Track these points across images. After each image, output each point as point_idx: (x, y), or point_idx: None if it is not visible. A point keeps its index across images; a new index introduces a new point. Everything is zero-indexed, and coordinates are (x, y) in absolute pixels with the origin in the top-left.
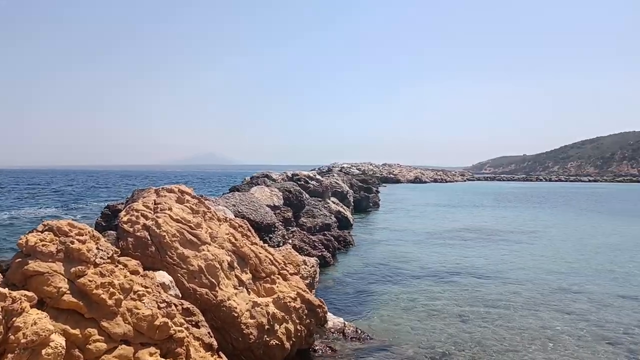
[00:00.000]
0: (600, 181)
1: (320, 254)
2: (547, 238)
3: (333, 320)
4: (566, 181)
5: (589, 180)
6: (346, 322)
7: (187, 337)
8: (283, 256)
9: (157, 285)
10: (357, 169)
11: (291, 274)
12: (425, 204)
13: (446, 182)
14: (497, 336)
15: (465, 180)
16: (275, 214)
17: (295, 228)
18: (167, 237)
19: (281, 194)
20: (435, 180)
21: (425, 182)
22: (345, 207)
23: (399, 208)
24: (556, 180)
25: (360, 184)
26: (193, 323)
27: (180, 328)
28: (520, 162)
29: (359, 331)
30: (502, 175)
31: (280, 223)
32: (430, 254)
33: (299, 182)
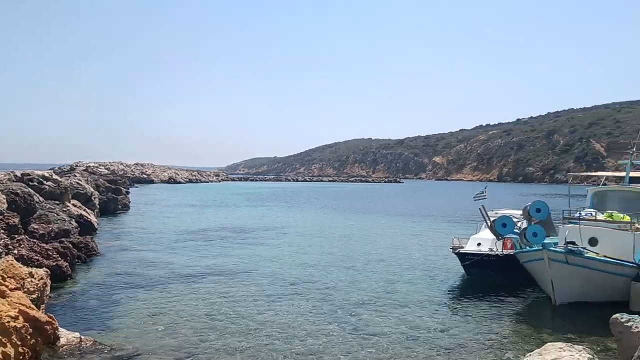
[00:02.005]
0: (338, 181)
1: (55, 264)
2: (293, 233)
3: (67, 336)
4: (310, 181)
5: (329, 180)
6: (83, 337)
7: None
8: (1, 269)
9: None
10: (105, 169)
11: (12, 290)
12: (179, 204)
13: (201, 182)
14: (242, 331)
15: (220, 181)
16: None
17: (23, 236)
18: None
19: (4, 197)
20: (190, 181)
21: (180, 182)
22: (89, 211)
23: (152, 210)
24: (302, 180)
25: (108, 184)
26: None
27: None
28: (272, 163)
29: (98, 344)
30: (255, 176)
31: (3, 231)
32: (183, 256)
33: (30, 183)
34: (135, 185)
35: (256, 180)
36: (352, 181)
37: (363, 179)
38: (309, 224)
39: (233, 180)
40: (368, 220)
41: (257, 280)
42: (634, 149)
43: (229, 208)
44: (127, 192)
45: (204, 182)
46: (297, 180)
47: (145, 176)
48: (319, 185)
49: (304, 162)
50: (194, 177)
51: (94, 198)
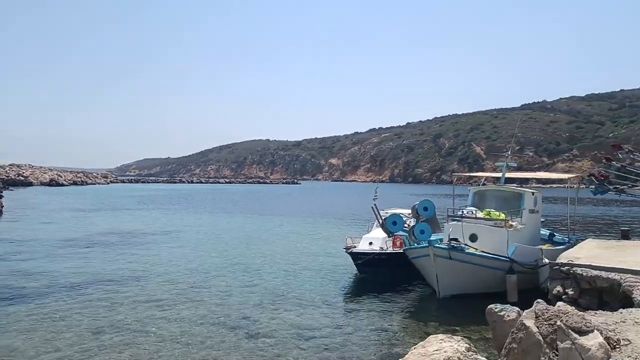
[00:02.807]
0: (236, 182)
1: None
2: (188, 237)
3: None
4: (207, 183)
5: (227, 182)
6: None
7: None
8: None
9: None
10: None
11: None
12: (62, 208)
13: (88, 184)
14: (130, 342)
15: (109, 183)
16: None
17: None
18: None
19: None
20: (75, 183)
21: (64, 184)
22: None
23: (29, 215)
24: (198, 182)
25: None
26: None
27: None
28: (165, 164)
29: None
30: (147, 177)
31: None
32: (65, 265)
33: None
34: (10, 188)
35: (148, 182)
36: (250, 182)
37: (261, 180)
38: (204, 227)
39: (123, 182)
40: (265, 222)
41: (148, 287)
42: (509, 152)
43: (118, 212)
44: (1, 196)
45: (91, 184)
46: (192, 182)
47: (22, 178)
48: (215, 187)
49: (199, 163)
50: (79, 179)
51: None
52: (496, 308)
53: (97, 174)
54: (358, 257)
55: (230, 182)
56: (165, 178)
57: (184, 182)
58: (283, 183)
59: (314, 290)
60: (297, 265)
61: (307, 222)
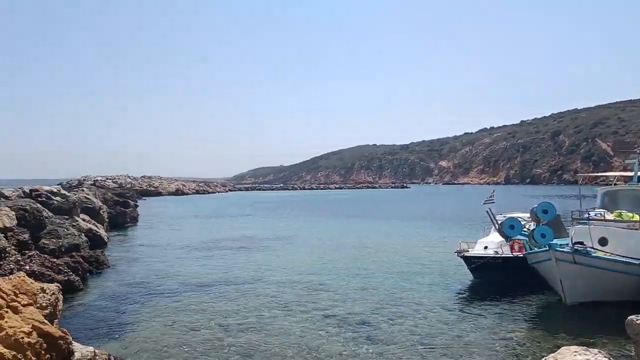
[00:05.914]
0: (345, 188)
1: (66, 278)
2: (302, 242)
3: (81, 351)
4: (317, 189)
5: (336, 188)
6: (97, 350)
7: None
8: (14, 286)
9: None
10: (113, 182)
11: (24, 305)
12: (187, 215)
13: (208, 193)
14: (257, 341)
15: (227, 191)
16: (6, 237)
17: (34, 252)
18: None
19: (14, 213)
20: (197, 192)
21: (188, 193)
22: (98, 224)
23: (160, 222)
24: (309, 189)
25: (116, 198)
26: None
27: None
28: (278, 172)
29: (113, 358)
30: (262, 185)
31: (13, 247)
32: (193, 268)
33: (39, 199)
34: (143, 197)
35: (263, 190)
36: (359, 188)
37: (370, 185)
38: (318, 232)
39: (240, 190)
40: (376, 227)
41: (267, 289)
42: None
43: (237, 217)
44: (136, 205)
45: (211, 192)
46: (304, 189)
47: (152, 188)
48: (326, 192)
49: (309, 170)
50: (201, 188)
51: (103, 212)
52: (638, 320)
53: (217, 183)
54: (472, 262)
55: (340, 188)
56: (279, 185)
57: (296, 188)
58: (392, 187)
59: (428, 295)
60: (410, 270)
61: (419, 226)
